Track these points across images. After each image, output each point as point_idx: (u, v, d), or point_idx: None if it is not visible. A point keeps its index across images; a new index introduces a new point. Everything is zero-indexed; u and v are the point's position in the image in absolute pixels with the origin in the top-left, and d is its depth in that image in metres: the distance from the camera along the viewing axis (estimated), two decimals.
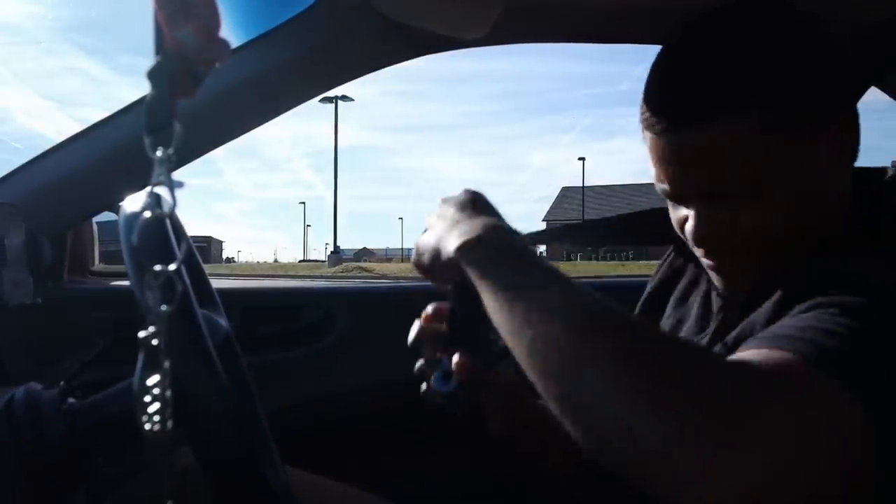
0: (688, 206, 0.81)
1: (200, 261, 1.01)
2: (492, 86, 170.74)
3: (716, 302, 0.90)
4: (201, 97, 1.14)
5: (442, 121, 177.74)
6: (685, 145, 0.76)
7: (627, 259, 37.41)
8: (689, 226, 0.81)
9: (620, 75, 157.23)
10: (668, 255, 1.05)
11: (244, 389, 0.96)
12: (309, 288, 1.68)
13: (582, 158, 53.87)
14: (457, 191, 0.81)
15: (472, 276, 0.66)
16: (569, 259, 42.61)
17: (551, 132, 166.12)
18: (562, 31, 1.30)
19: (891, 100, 1.41)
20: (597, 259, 41.82)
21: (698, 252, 0.83)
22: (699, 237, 0.80)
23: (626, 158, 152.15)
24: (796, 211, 0.77)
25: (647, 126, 0.79)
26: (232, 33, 1.17)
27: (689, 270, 0.99)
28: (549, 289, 0.60)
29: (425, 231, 0.78)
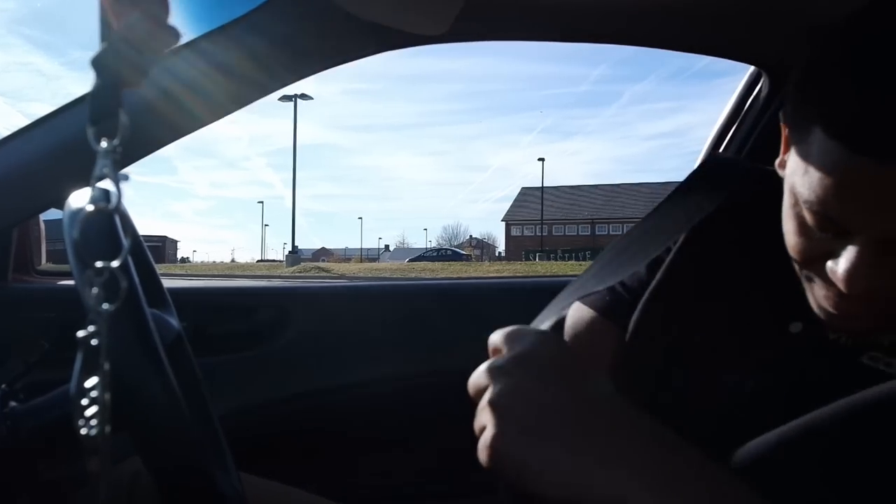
0: (841, 242, 0.64)
1: (151, 259, 0.98)
2: (452, 85, 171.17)
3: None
4: (154, 89, 1.11)
5: (402, 120, 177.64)
6: (881, 176, 0.58)
7: (585, 259, 37.76)
8: (840, 268, 0.64)
9: (580, 77, 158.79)
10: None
11: (196, 391, 0.93)
12: (264, 287, 1.65)
13: (541, 159, 54.17)
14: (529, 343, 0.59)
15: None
16: (527, 259, 42.93)
17: (511, 132, 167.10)
18: (522, 30, 1.30)
19: None
20: (555, 259, 42.18)
21: (827, 292, 0.67)
22: (853, 286, 0.63)
23: (585, 159, 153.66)
24: None
25: (857, 143, 0.59)
26: (188, 25, 1.14)
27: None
28: None
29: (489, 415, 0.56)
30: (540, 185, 57.73)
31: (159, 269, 1.03)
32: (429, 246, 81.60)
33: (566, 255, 44.70)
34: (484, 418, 0.56)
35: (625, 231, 0.98)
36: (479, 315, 1.63)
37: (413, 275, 22.34)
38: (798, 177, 0.65)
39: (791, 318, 0.74)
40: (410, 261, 42.16)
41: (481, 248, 73.80)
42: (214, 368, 1.43)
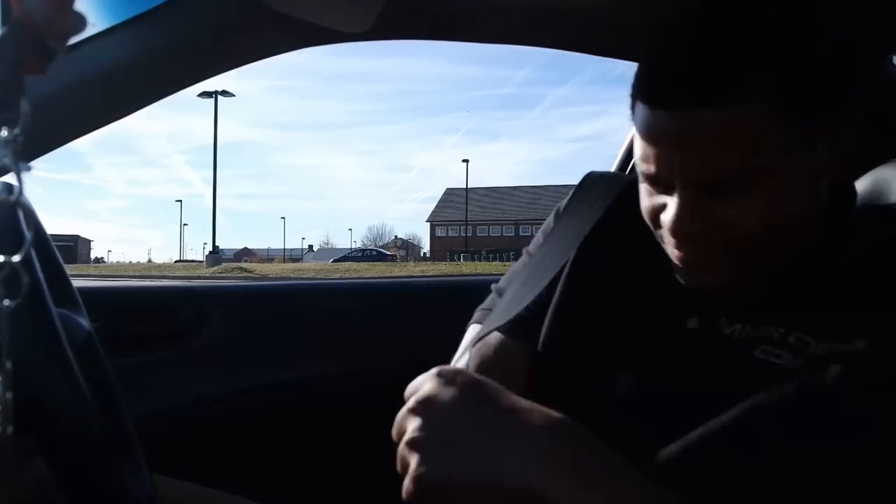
0: (670, 194, 0.73)
1: (59, 256, 0.95)
2: (378, 85, 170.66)
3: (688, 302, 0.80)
4: (62, 80, 1.07)
5: (327, 119, 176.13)
6: (692, 125, 0.69)
7: (509, 260, 38.21)
8: (668, 215, 0.73)
9: (504, 79, 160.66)
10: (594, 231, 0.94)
11: (107, 392, 0.91)
12: (181, 287, 1.61)
13: (466, 160, 54.57)
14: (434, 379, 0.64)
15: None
16: (452, 260, 43.16)
17: (436, 133, 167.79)
18: (444, 30, 1.31)
19: None
20: (479, 259, 42.54)
21: (670, 243, 0.76)
22: (678, 228, 0.72)
23: (509, 161, 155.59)
24: (783, 217, 0.72)
25: (651, 99, 0.72)
26: (100, 15, 1.10)
27: (617, 255, 0.90)
28: None
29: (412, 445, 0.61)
30: (464, 186, 58.12)
31: (71, 270, 1.00)
32: (354, 246, 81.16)
33: (490, 255, 45.16)
34: (405, 457, 0.61)
35: None
36: (400, 314, 1.64)
37: (337, 275, 22.17)
38: (635, 151, 0.75)
39: (687, 314, 0.78)
40: (335, 261, 41.85)
41: (406, 248, 73.83)
42: (130, 370, 1.39)
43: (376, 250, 54.56)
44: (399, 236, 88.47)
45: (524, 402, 0.62)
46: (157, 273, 27.18)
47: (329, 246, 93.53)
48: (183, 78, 1.16)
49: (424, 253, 70.82)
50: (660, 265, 0.80)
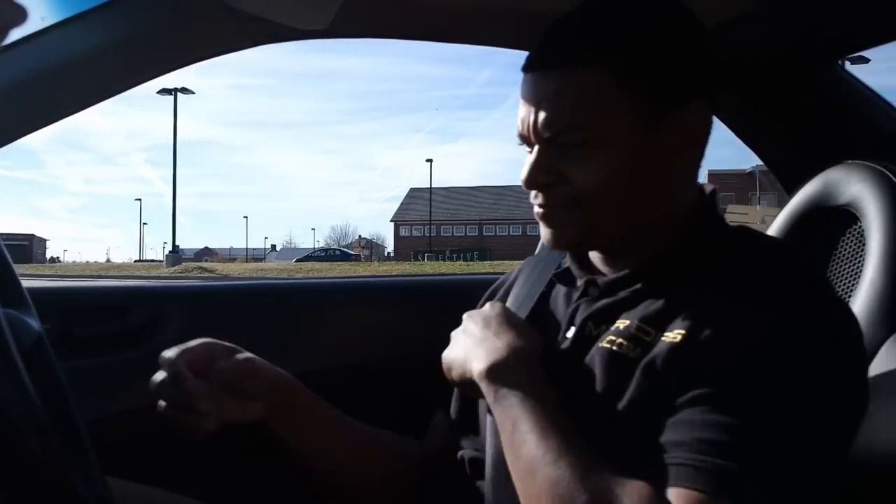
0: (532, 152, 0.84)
1: (6, 255, 0.92)
2: (341, 84, 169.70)
3: (572, 297, 0.92)
4: (14, 75, 1.05)
5: (289, 117, 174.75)
6: (543, 85, 0.81)
7: (472, 259, 38.33)
8: (523, 173, 0.85)
9: (467, 79, 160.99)
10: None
11: (57, 395, 0.89)
12: (137, 287, 1.59)
13: (429, 160, 54.56)
14: (483, 307, 0.90)
15: (488, 397, 0.81)
16: (416, 259, 43.14)
17: (400, 133, 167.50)
18: (403, 28, 1.31)
19: None
20: (443, 259, 42.58)
21: (533, 203, 0.87)
22: (526, 179, 0.84)
23: (473, 161, 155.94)
24: (620, 185, 0.81)
25: (522, 68, 0.85)
26: (52, 8, 1.08)
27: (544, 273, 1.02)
28: (547, 440, 0.74)
29: (452, 345, 0.89)
30: (428, 186, 58.10)
31: (26, 269, 0.98)
32: (317, 246, 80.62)
33: (454, 255, 45.26)
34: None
35: (511, 232, 1.07)
36: (359, 313, 1.63)
37: (300, 275, 22.01)
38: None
39: (569, 325, 0.89)
40: (298, 261, 41.52)
41: (370, 248, 73.55)
42: (84, 372, 1.36)
43: (340, 250, 54.31)
44: (363, 236, 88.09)
45: (511, 337, 0.83)
46: (115, 273, 26.74)
47: (292, 245, 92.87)
48: (137, 73, 1.14)
49: (388, 253, 70.68)
50: (557, 289, 0.96)
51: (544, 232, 0.87)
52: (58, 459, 0.66)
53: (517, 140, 0.87)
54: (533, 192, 0.86)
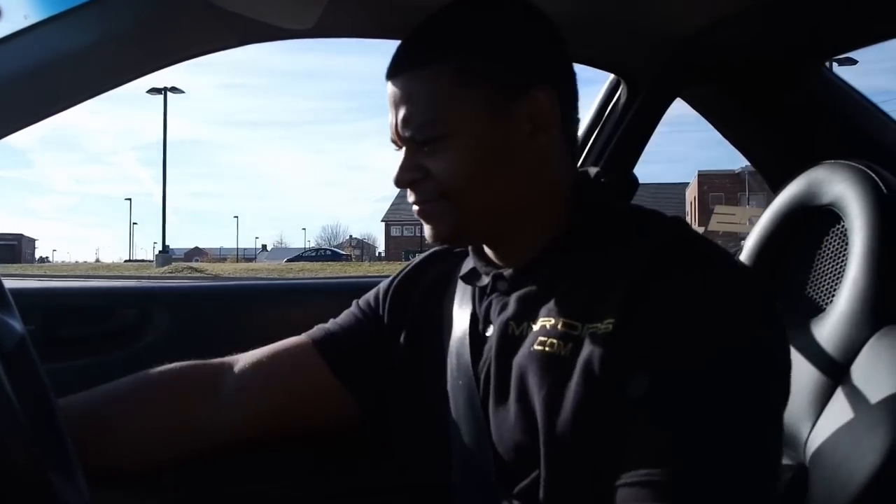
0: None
1: None
2: (333, 83, 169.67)
3: (484, 293, 0.95)
4: None
5: (281, 117, 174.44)
6: (397, 88, 0.88)
7: None
8: (394, 173, 0.90)
9: None
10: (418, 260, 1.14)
11: (40, 398, 0.88)
12: (123, 287, 1.58)
13: None
14: None
15: None
16: (407, 259, 43.07)
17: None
18: (390, 28, 1.30)
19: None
20: None
21: (407, 197, 0.91)
22: (395, 178, 0.90)
23: None
24: (479, 175, 0.86)
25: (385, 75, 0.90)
26: (32, 6, 1.07)
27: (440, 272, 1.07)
28: None
29: None
30: None
31: (15, 269, 0.97)
32: (308, 246, 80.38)
33: None
34: None
35: None
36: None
37: (291, 275, 21.96)
38: None
39: (487, 325, 0.93)
40: (288, 261, 41.40)
41: (361, 248, 73.48)
42: (69, 373, 1.35)
43: (331, 250, 54.18)
44: (354, 236, 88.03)
45: None
46: (105, 273, 26.61)
47: (283, 245, 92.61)
48: (123, 72, 1.13)
49: (379, 253, 70.59)
50: (471, 288, 0.98)
51: (425, 228, 0.92)
52: (39, 462, 0.65)
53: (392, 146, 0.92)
54: (407, 192, 0.91)
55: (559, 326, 0.82)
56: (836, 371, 1.01)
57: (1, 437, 0.62)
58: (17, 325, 0.91)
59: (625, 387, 0.74)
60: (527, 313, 0.87)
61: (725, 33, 1.24)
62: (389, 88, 0.89)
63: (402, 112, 0.87)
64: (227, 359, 1.10)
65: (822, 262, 1.14)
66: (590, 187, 0.92)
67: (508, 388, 0.85)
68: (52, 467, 0.73)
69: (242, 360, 1.09)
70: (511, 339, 0.87)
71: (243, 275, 22.71)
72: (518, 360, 0.84)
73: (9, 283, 0.90)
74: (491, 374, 0.88)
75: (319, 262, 34.97)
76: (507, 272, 0.91)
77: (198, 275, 23.74)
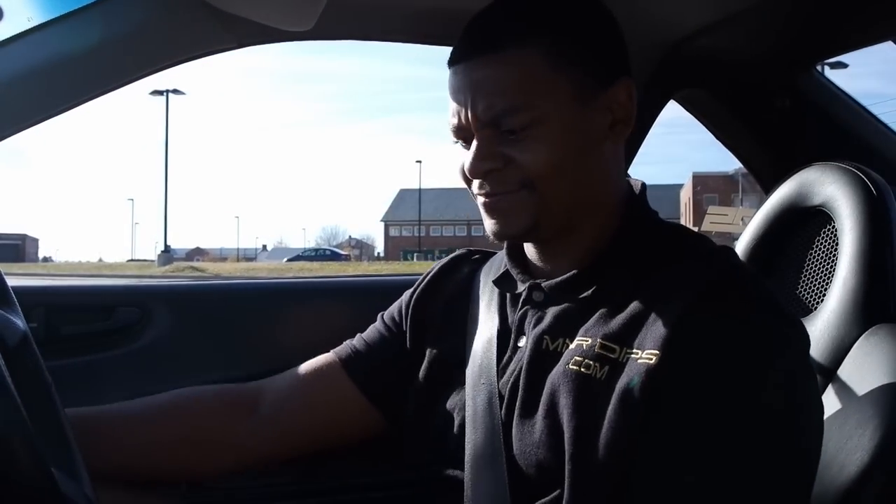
0: (471, 144, 0.84)
1: None
2: (329, 85, 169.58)
3: (517, 303, 0.92)
4: (1, 75, 1.05)
5: (279, 118, 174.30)
6: (478, 72, 0.82)
7: None
8: (468, 160, 0.84)
9: None
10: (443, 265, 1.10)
11: (43, 395, 0.89)
12: (123, 286, 1.59)
13: (419, 161, 54.50)
14: None
15: None
16: (405, 259, 43.07)
17: (390, 134, 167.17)
18: (387, 31, 1.31)
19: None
20: (432, 259, 42.50)
21: (475, 189, 0.87)
22: (471, 167, 0.84)
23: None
24: (566, 164, 0.82)
25: (449, 61, 0.86)
26: (35, 9, 1.09)
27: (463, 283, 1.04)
28: None
29: None
30: (418, 187, 57.96)
31: (19, 269, 0.98)
32: (307, 246, 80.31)
33: (443, 254, 45.10)
34: None
35: None
36: (352, 312, 1.63)
37: (290, 275, 21.94)
38: (448, 119, 0.87)
39: (519, 335, 0.90)
40: (288, 261, 41.34)
41: (360, 248, 73.40)
42: (71, 370, 1.36)
43: (330, 250, 54.08)
44: (353, 236, 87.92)
45: None
46: (108, 272, 26.58)
47: (283, 245, 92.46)
48: (123, 73, 1.14)
49: (378, 253, 70.48)
50: (500, 298, 0.95)
51: (491, 223, 0.87)
52: (42, 459, 0.65)
53: (451, 137, 0.88)
54: (476, 183, 0.86)
55: (596, 348, 0.79)
56: (825, 370, 1.02)
57: (3, 433, 0.62)
58: (20, 322, 0.92)
59: (660, 422, 0.73)
60: (564, 329, 0.84)
61: (717, 37, 1.25)
62: (463, 73, 0.83)
63: (483, 97, 0.81)
64: (261, 382, 1.12)
65: (812, 263, 1.16)
66: (637, 198, 0.90)
67: (537, 403, 0.82)
68: (55, 463, 0.74)
69: (276, 381, 1.11)
70: (545, 355, 0.84)
71: (243, 274, 22.68)
72: (552, 377, 0.81)
73: (12, 282, 0.92)
74: (519, 387, 0.85)
75: (319, 262, 34.95)
76: (545, 283, 0.88)
77: (198, 274, 23.72)
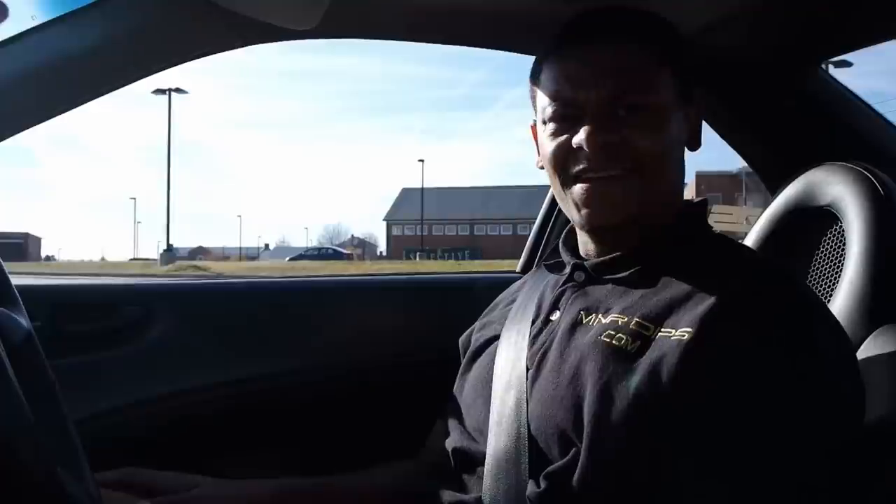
0: (577, 128, 0.88)
1: None
2: (332, 84, 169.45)
3: (558, 282, 0.97)
4: (4, 73, 1.05)
5: (281, 117, 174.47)
6: (602, 55, 0.88)
7: (464, 258, 38.34)
8: (580, 136, 0.87)
9: (458, 80, 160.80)
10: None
11: (46, 393, 0.89)
12: (127, 285, 1.59)
13: (421, 160, 54.60)
14: None
15: None
16: (408, 258, 43.12)
17: (392, 132, 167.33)
18: (391, 29, 1.31)
19: None
20: (435, 258, 42.57)
21: (579, 171, 0.89)
22: (593, 140, 0.86)
23: (465, 161, 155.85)
24: (669, 155, 0.90)
25: (558, 46, 0.92)
26: (39, 8, 1.09)
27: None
28: None
29: None
30: (420, 186, 58.03)
31: (22, 267, 0.98)
32: (310, 245, 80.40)
33: (446, 254, 45.27)
34: None
35: (501, 231, 1.12)
36: (354, 312, 1.64)
37: (293, 274, 21.96)
38: (539, 106, 0.93)
39: (554, 310, 0.94)
40: (291, 259, 41.40)
41: (363, 247, 73.43)
42: (74, 369, 1.37)
43: (333, 249, 54.17)
44: (355, 235, 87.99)
45: None
46: (110, 271, 26.63)
47: (285, 244, 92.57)
48: (126, 72, 1.14)
49: (380, 252, 70.56)
50: (541, 279, 1.01)
51: (589, 210, 0.90)
52: (46, 457, 0.65)
53: (552, 119, 0.91)
54: (582, 165, 0.88)
55: (631, 325, 0.82)
56: None
57: (8, 431, 0.62)
58: (24, 321, 0.92)
59: (688, 397, 0.75)
60: (600, 306, 0.88)
61: (722, 36, 1.25)
62: (585, 55, 0.89)
63: (608, 77, 0.87)
64: None
65: (820, 263, 1.15)
66: (696, 204, 0.97)
67: (563, 370, 0.85)
68: (59, 461, 0.74)
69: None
70: (578, 327, 0.88)
71: (246, 273, 22.72)
72: (581, 346, 0.85)
73: (15, 281, 0.92)
74: (548, 356, 0.88)
75: (321, 261, 35.00)
76: (588, 263, 0.93)
77: (201, 273, 23.75)
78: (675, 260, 0.87)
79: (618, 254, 0.90)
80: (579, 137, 0.87)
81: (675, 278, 0.84)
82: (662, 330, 0.80)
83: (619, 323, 0.83)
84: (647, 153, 0.87)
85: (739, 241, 1.30)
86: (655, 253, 0.89)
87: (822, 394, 0.76)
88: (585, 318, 0.88)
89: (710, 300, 0.78)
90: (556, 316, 0.93)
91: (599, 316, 0.87)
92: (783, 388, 0.74)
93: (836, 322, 0.85)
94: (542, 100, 0.92)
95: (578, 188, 0.90)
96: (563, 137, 0.90)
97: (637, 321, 0.82)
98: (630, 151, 0.87)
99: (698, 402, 0.75)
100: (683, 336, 0.77)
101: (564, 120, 0.90)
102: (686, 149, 0.95)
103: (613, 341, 0.82)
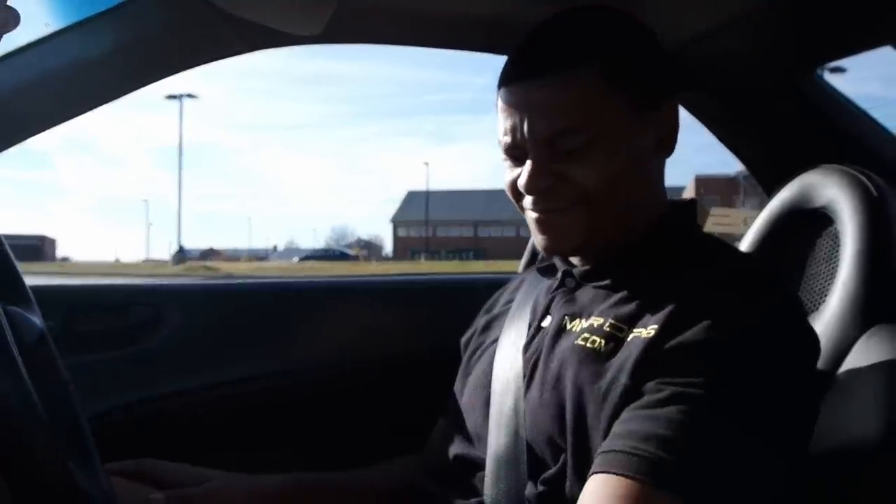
0: (523, 162, 0.87)
1: (10, 254, 0.95)
2: (338, 88, 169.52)
3: (550, 287, 0.97)
4: (20, 78, 1.07)
5: (290, 120, 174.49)
6: (534, 92, 0.84)
7: (468, 259, 38.27)
8: (523, 177, 0.86)
9: (464, 84, 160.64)
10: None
11: (60, 392, 0.91)
12: (137, 285, 1.61)
13: (426, 163, 54.59)
14: None
15: None
16: (413, 258, 43.04)
17: (397, 136, 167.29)
18: (395, 34, 1.32)
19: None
20: (439, 258, 42.50)
21: (528, 205, 0.89)
22: (527, 185, 0.85)
23: (469, 164, 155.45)
24: (620, 180, 0.85)
25: (502, 81, 0.88)
26: (53, 15, 1.11)
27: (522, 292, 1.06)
28: None
29: None
30: (426, 188, 57.91)
31: (38, 268, 1.00)
32: (317, 246, 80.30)
33: (450, 255, 45.23)
34: None
35: (504, 233, 1.14)
36: (361, 312, 1.65)
37: (301, 274, 21.96)
38: (499, 133, 0.89)
39: (545, 316, 0.95)
40: (300, 260, 41.39)
41: (369, 248, 73.30)
42: (87, 368, 1.38)
43: (339, 250, 54.18)
44: (361, 237, 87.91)
45: None
46: (123, 272, 26.68)
47: (294, 246, 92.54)
48: (138, 78, 1.16)
49: (386, 253, 70.46)
50: (535, 285, 1.01)
51: (542, 238, 0.89)
52: (60, 454, 0.66)
53: (504, 152, 0.89)
54: (530, 200, 0.88)
55: (606, 327, 0.83)
56: (825, 370, 1.03)
57: (21, 428, 0.63)
58: (38, 320, 0.94)
59: (643, 390, 0.76)
60: (583, 311, 0.88)
61: (719, 41, 1.26)
62: (518, 92, 0.85)
63: (540, 117, 0.83)
64: None
65: (814, 264, 1.17)
66: (677, 209, 0.95)
67: (546, 378, 0.86)
68: (72, 458, 0.75)
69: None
70: (563, 332, 0.88)
71: (255, 274, 22.73)
72: (562, 352, 0.86)
73: (30, 281, 0.94)
74: (539, 363, 0.89)
75: (328, 262, 34.99)
76: (576, 270, 0.93)
77: (212, 273, 23.78)
78: (657, 262, 0.88)
79: (601, 260, 0.91)
80: (521, 180, 0.86)
81: (653, 280, 0.85)
82: (634, 330, 0.80)
83: (595, 325, 0.84)
84: (591, 187, 0.84)
85: (737, 242, 1.32)
86: (638, 257, 0.89)
87: (769, 400, 0.76)
88: (570, 323, 0.89)
89: (679, 299, 0.79)
90: (546, 322, 0.94)
91: (581, 321, 0.87)
92: (727, 389, 0.74)
93: (806, 330, 0.84)
94: (499, 125, 0.89)
95: (531, 217, 0.90)
96: (513, 174, 0.89)
97: (611, 323, 0.83)
98: (572, 189, 0.84)
99: (652, 394, 0.75)
100: (650, 333, 0.78)
101: (513, 157, 0.89)
102: (662, 155, 0.92)
103: (588, 344, 0.83)
